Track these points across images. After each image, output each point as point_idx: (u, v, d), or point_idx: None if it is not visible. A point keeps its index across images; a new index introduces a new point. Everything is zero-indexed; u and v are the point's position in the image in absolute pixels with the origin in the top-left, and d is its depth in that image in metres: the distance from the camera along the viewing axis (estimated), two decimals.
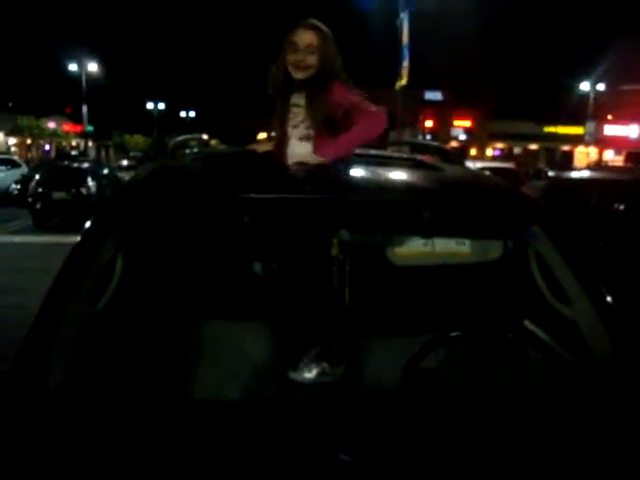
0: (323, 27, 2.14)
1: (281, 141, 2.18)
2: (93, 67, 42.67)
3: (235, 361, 1.99)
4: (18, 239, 12.16)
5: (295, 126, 2.15)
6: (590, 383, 1.66)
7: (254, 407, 1.81)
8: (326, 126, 2.10)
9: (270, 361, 2.00)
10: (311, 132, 2.11)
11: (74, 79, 42.64)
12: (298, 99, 2.14)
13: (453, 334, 1.73)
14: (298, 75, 2.11)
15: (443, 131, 45.21)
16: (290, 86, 2.15)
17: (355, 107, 2.08)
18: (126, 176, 18.71)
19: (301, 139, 2.13)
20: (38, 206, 14.42)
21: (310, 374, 1.88)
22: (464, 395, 1.68)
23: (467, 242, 2.08)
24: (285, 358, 1.97)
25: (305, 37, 2.09)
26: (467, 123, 48.21)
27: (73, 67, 42.11)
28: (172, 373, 1.91)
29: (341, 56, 2.17)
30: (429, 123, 46.21)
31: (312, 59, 2.08)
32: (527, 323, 2.05)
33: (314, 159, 2.06)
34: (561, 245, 1.87)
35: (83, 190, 14.68)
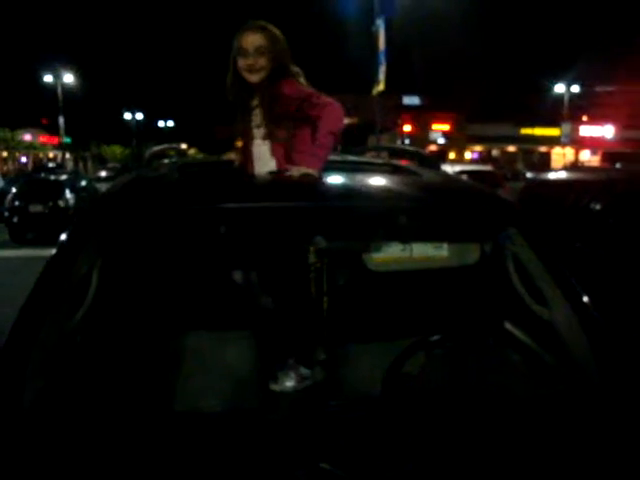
0: (270, 27, 2.14)
1: (246, 145, 2.19)
2: (69, 78, 42.34)
3: (215, 371, 1.97)
4: None
5: (258, 126, 2.16)
6: (570, 383, 1.67)
7: (235, 418, 1.79)
8: (281, 123, 2.12)
9: (251, 370, 1.99)
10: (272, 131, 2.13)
11: (50, 90, 42.26)
12: (256, 101, 2.16)
13: (433, 338, 1.73)
14: (252, 78, 2.12)
15: (422, 135, 45.50)
16: (247, 90, 2.17)
17: (308, 99, 2.10)
18: (104, 187, 18.58)
19: (264, 139, 2.15)
20: (15, 220, 14.23)
21: (289, 382, 1.87)
22: (446, 399, 1.68)
23: (445, 246, 2.09)
24: (265, 367, 1.96)
25: (253, 39, 2.09)
26: (445, 127, 48.59)
27: (48, 78, 41.75)
28: (151, 385, 1.89)
29: (289, 49, 2.18)
30: (407, 127, 46.48)
31: (263, 61, 2.09)
32: (507, 325, 2.06)
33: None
34: (537, 247, 1.88)
35: (61, 203, 14.52)
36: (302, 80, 2.20)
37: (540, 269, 1.85)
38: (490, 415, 1.63)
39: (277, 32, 2.15)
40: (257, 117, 2.17)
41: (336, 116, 2.13)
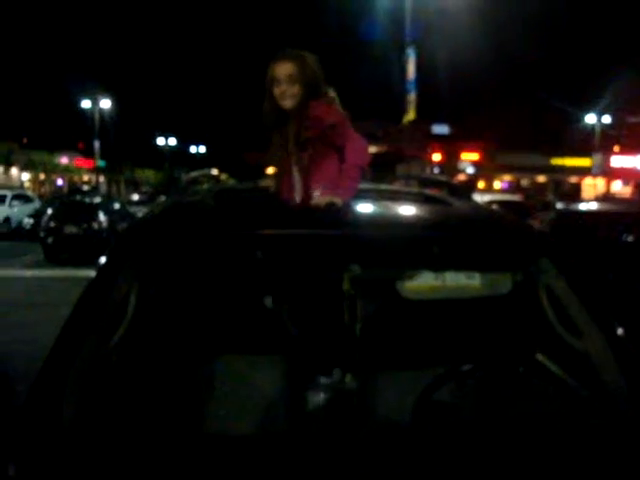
0: (302, 54, 2.21)
1: (282, 172, 2.24)
2: (106, 103, 43.45)
3: (247, 395, 1.99)
4: (29, 273, 12.26)
5: (292, 153, 2.22)
6: (603, 416, 1.66)
7: (265, 442, 1.81)
8: (307, 146, 2.17)
9: (281, 395, 2.00)
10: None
11: (87, 115, 43.39)
12: (291, 128, 2.22)
13: (464, 368, 1.74)
14: (286, 105, 2.18)
15: (451, 164, 45.36)
16: (283, 116, 2.23)
17: (336, 126, 2.15)
18: (137, 211, 18.89)
19: (296, 164, 2.21)
20: (50, 240, 14.55)
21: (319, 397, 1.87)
22: (477, 429, 1.68)
23: (477, 276, 2.09)
24: (296, 392, 1.98)
25: (284, 69, 2.16)
26: (475, 156, 48.40)
27: (86, 103, 42.89)
28: (184, 407, 1.92)
29: (322, 73, 2.24)
30: (437, 156, 46.43)
31: (295, 88, 2.16)
32: (539, 356, 2.05)
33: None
34: (570, 278, 1.88)
35: (94, 225, 14.82)
36: (336, 105, 2.24)
37: (573, 300, 1.84)
38: (521, 446, 1.62)
39: (310, 58, 2.21)
40: (291, 144, 2.23)
41: (362, 150, 2.18)
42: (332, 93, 2.26)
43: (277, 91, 2.17)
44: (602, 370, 1.74)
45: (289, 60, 2.18)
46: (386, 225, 1.98)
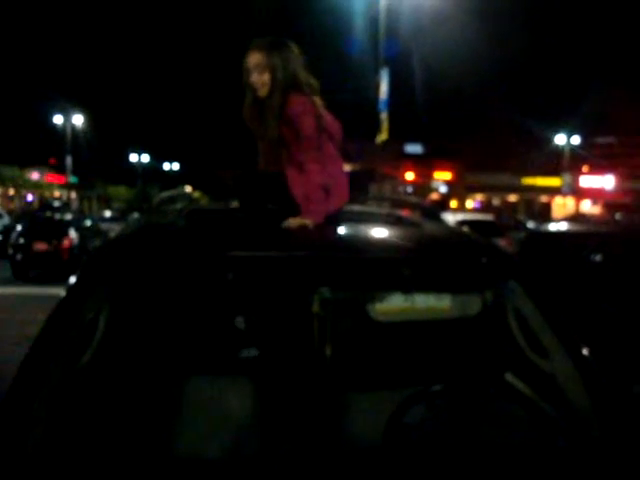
0: (269, 42, 2.22)
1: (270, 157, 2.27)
2: (78, 119, 43.10)
3: (217, 417, 1.98)
4: None
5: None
6: (571, 436, 1.68)
7: (235, 464, 1.79)
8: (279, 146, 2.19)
9: (252, 417, 1.99)
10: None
11: (58, 130, 42.98)
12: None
13: (434, 388, 1.75)
14: (259, 94, 2.21)
15: (424, 183, 45.89)
16: (261, 110, 2.25)
17: (306, 137, 2.16)
18: (109, 228, 18.67)
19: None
20: (18, 257, 14.29)
21: None
22: (446, 450, 1.68)
23: (446, 297, 2.12)
24: (266, 414, 1.97)
25: (253, 58, 2.20)
26: (447, 175, 49.03)
27: (58, 119, 42.51)
28: (154, 429, 1.89)
29: (301, 59, 2.25)
30: (410, 175, 46.90)
31: (265, 77, 2.18)
32: (508, 377, 2.07)
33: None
34: (538, 299, 1.92)
35: (65, 242, 14.60)
36: (316, 97, 2.25)
37: (540, 322, 1.87)
38: (491, 466, 1.63)
39: (283, 46, 2.22)
40: (266, 139, 2.26)
41: (323, 169, 2.19)
42: (311, 80, 2.26)
43: (249, 81, 2.20)
44: (568, 390, 1.77)
45: (257, 49, 2.20)
46: (356, 247, 2.00)
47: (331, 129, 2.27)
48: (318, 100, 2.25)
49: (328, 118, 2.27)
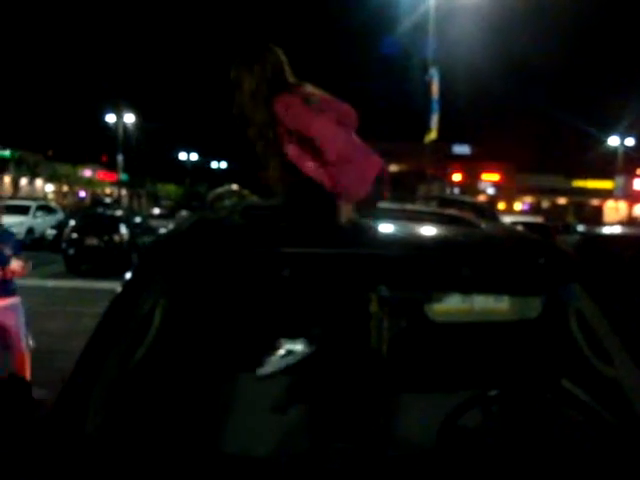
0: (242, 61, 2.19)
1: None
2: (130, 118, 44.09)
3: (269, 416, 1.97)
4: (51, 283, 12.38)
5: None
6: (633, 446, 1.62)
7: (285, 464, 1.79)
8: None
9: (303, 416, 1.98)
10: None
11: (110, 129, 44.07)
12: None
13: (491, 393, 1.71)
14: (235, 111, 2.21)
15: (471, 185, 45.28)
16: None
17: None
18: (158, 225, 19.04)
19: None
20: (71, 252, 14.70)
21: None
22: (501, 455, 1.65)
23: (506, 299, 2.07)
24: (317, 414, 1.95)
25: (231, 76, 2.20)
26: (495, 177, 48.25)
27: (111, 117, 43.57)
28: (205, 425, 1.90)
29: (281, 69, 2.18)
30: (457, 177, 46.37)
31: (237, 95, 2.18)
32: (566, 382, 2.01)
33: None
34: (601, 303, 1.85)
35: (115, 237, 14.95)
36: (309, 90, 2.17)
37: (604, 326, 1.81)
38: (546, 475, 1.59)
39: (253, 60, 2.18)
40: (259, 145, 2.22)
41: (350, 113, 2.11)
42: (309, 88, 2.17)
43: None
44: (633, 399, 1.70)
45: (232, 69, 2.20)
46: (415, 246, 1.97)
47: (344, 117, 2.15)
48: (309, 88, 2.18)
49: (340, 106, 2.16)
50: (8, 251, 4.93)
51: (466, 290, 2.00)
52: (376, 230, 2.05)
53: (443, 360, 2.08)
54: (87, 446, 1.50)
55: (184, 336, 2.08)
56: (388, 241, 2.02)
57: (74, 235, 14.84)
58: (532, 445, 1.67)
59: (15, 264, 4.86)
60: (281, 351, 1.98)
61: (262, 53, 2.20)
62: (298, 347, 1.98)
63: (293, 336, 2.02)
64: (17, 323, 4.99)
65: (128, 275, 1.94)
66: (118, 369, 1.71)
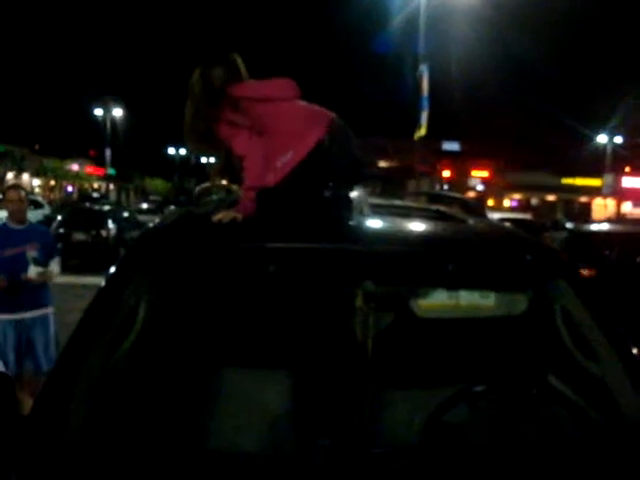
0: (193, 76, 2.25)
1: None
2: (118, 112, 43.80)
3: (254, 411, 1.96)
4: None
5: None
6: (618, 443, 1.62)
7: (271, 460, 1.78)
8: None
9: (290, 412, 1.97)
10: None
11: (98, 123, 43.77)
12: None
13: (477, 389, 1.70)
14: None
15: (460, 181, 45.38)
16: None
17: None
18: (146, 219, 18.95)
19: None
20: (58, 246, 14.57)
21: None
22: (486, 451, 1.65)
23: (491, 295, 2.06)
24: (304, 409, 1.94)
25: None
26: (484, 174, 48.40)
27: (98, 112, 43.26)
28: (190, 421, 1.89)
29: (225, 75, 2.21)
30: (446, 173, 46.47)
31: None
32: (552, 379, 2.01)
33: None
34: (587, 300, 1.85)
35: (103, 232, 14.89)
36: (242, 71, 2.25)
37: (590, 322, 1.81)
38: (531, 472, 1.59)
39: (200, 71, 2.25)
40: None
41: (254, 169, 2.11)
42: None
43: None
44: (618, 395, 1.71)
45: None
46: (401, 241, 1.96)
47: (280, 93, 2.17)
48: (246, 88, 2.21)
49: (274, 85, 2.19)
50: (35, 253, 4.33)
51: (452, 286, 2.00)
52: (362, 225, 2.04)
53: (429, 356, 2.08)
54: (69, 446, 1.48)
55: (169, 331, 2.06)
56: (375, 236, 2.01)
57: (61, 230, 14.74)
58: (517, 441, 1.67)
59: (32, 271, 4.22)
60: None
61: (211, 62, 2.25)
62: None
63: (278, 331, 2.02)
64: (47, 338, 4.43)
65: (112, 269, 1.91)
66: (101, 365, 1.69)
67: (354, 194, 2.17)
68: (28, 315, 4.36)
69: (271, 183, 2.05)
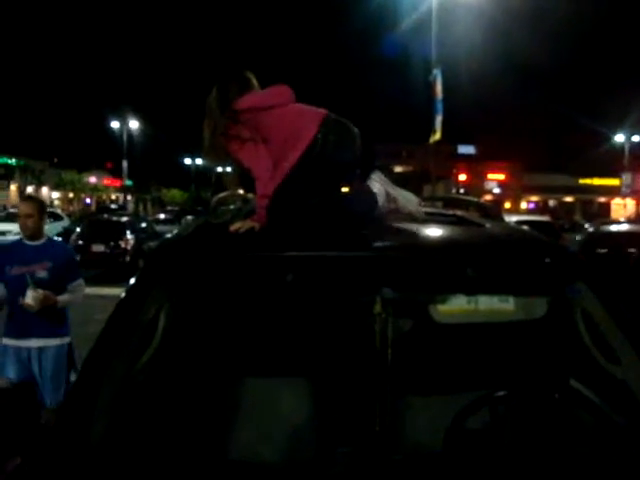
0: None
1: None
2: (134, 124, 44.19)
3: (275, 420, 1.96)
4: None
5: None
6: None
7: (291, 470, 1.77)
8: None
9: (308, 420, 1.97)
10: None
11: (115, 135, 44.21)
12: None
13: (498, 394, 1.69)
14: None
15: (477, 184, 45.14)
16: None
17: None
18: (164, 229, 19.06)
19: None
20: (77, 258, 14.70)
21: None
22: (509, 457, 1.63)
23: (511, 299, 2.05)
24: (323, 417, 1.94)
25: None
26: (501, 176, 48.09)
27: (115, 124, 43.69)
28: (210, 431, 1.89)
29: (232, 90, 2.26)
30: (462, 177, 46.27)
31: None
32: (574, 382, 1.99)
33: None
34: (607, 302, 1.83)
35: (121, 243, 14.98)
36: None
37: (611, 325, 1.79)
38: (555, 474, 1.57)
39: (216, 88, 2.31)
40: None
41: (262, 178, 2.13)
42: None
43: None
44: None
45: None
46: (419, 247, 1.95)
47: (276, 99, 2.22)
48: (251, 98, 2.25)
49: (271, 93, 2.25)
50: (44, 273, 3.78)
51: (471, 291, 1.98)
52: (380, 231, 2.04)
53: (448, 362, 2.06)
54: (91, 456, 1.49)
55: (189, 341, 2.07)
56: (393, 242, 2.01)
57: (80, 241, 14.88)
58: (540, 446, 1.65)
59: (29, 296, 3.58)
60: None
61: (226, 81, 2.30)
62: None
63: (298, 340, 2.02)
64: (57, 371, 3.89)
65: (132, 280, 1.93)
66: (123, 376, 1.70)
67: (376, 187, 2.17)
68: (34, 344, 3.85)
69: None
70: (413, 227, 2.11)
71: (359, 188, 2.21)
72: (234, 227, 2.02)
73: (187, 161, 70.80)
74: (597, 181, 48.38)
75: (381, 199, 2.15)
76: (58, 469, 1.45)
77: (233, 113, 2.18)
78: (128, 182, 48.00)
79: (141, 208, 59.79)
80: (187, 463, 1.69)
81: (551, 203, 49.23)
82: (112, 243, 14.88)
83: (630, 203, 44.43)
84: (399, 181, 2.29)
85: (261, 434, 1.92)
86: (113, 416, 1.61)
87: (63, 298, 3.88)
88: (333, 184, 2.21)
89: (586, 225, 25.96)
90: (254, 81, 2.32)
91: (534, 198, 49.62)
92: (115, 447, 1.57)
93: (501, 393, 1.69)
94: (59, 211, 27.72)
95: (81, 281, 4.13)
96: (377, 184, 2.16)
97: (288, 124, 2.14)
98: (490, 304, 2.03)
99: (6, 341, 3.89)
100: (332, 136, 2.10)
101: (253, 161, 2.14)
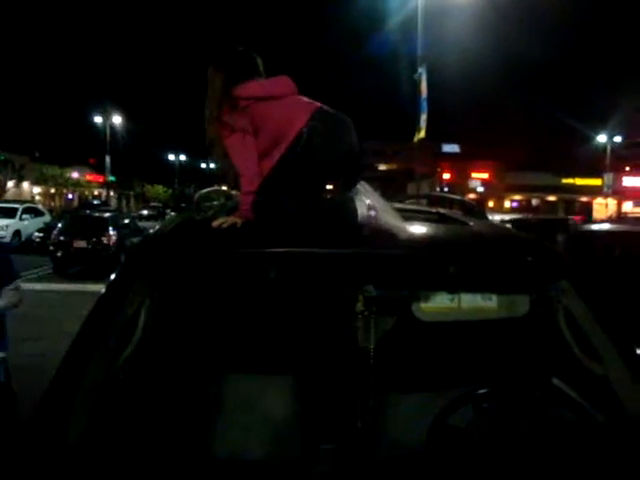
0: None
1: None
2: (117, 119, 43.84)
3: (257, 417, 1.95)
4: (38, 286, 12.27)
5: None
6: (621, 443, 1.61)
7: (275, 468, 1.77)
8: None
9: (293, 418, 1.96)
10: None
11: (98, 130, 43.83)
12: None
13: (481, 391, 1.69)
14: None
15: (461, 183, 45.40)
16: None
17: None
18: (147, 226, 18.96)
19: None
20: (59, 254, 14.60)
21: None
22: (492, 454, 1.64)
23: (494, 298, 2.05)
24: (308, 415, 1.93)
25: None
26: (485, 175, 48.43)
27: (98, 119, 43.31)
28: (192, 428, 1.88)
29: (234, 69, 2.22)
30: (446, 175, 46.52)
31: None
32: (555, 380, 2.00)
33: None
34: (589, 300, 1.85)
35: (104, 239, 14.87)
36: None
37: (592, 323, 1.80)
38: (536, 472, 1.58)
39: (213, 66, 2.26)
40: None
41: (245, 175, 2.10)
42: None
43: None
44: (622, 396, 1.70)
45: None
46: (401, 245, 1.95)
47: (278, 90, 2.17)
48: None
49: (273, 84, 2.20)
50: None
51: (454, 289, 1.98)
52: (363, 229, 2.03)
53: (431, 359, 2.06)
54: (69, 456, 1.47)
55: (170, 338, 2.05)
56: (375, 240, 2.00)
57: (62, 237, 14.74)
58: (522, 443, 1.66)
59: None
60: None
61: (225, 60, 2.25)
62: None
63: (280, 336, 2.00)
64: None
65: (112, 276, 1.90)
66: (102, 373, 1.68)
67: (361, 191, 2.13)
68: None
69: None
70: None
71: (341, 199, 2.10)
72: (217, 223, 1.99)
73: (171, 157, 70.51)
74: (580, 181, 48.87)
75: (362, 211, 2.08)
76: (35, 469, 1.43)
77: (232, 99, 2.13)
78: (111, 178, 47.62)
79: (124, 204, 59.40)
80: (169, 461, 1.67)
81: (534, 202, 49.63)
82: (94, 239, 14.77)
83: (611, 203, 44.95)
84: (383, 179, 2.26)
85: (244, 431, 1.91)
86: (92, 415, 1.59)
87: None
88: (322, 178, 2.15)
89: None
90: (261, 68, 2.27)
91: (517, 197, 50.00)
92: (94, 447, 1.54)
93: (483, 391, 1.69)
94: (40, 207, 27.38)
95: (18, 283, 3.58)
96: (362, 196, 2.03)
97: (281, 116, 2.09)
98: (473, 302, 2.03)
99: None
100: (321, 128, 2.04)
101: (239, 156, 2.09)
